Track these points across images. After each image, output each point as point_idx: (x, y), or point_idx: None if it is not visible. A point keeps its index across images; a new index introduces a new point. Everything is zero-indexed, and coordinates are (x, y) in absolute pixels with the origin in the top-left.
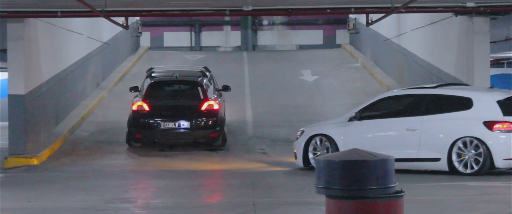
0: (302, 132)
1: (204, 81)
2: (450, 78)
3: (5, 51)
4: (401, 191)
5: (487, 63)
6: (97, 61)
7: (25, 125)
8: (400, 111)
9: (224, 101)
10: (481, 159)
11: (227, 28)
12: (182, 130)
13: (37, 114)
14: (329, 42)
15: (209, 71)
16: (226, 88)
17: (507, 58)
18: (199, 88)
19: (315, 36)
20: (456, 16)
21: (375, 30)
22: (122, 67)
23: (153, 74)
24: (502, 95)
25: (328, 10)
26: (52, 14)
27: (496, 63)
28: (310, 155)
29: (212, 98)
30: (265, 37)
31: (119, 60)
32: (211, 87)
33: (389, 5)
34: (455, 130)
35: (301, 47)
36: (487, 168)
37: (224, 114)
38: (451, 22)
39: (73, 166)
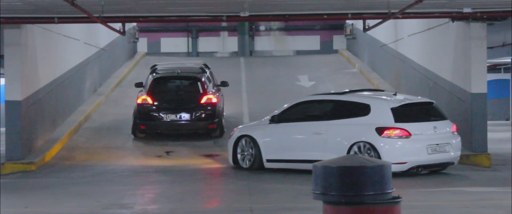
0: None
1: (204, 76)
2: (447, 83)
3: (1, 57)
4: (398, 197)
5: (484, 68)
6: (94, 67)
7: (22, 131)
8: (311, 115)
9: (222, 95)
10: None
11: (224, 33)
12: (183, 122)
13: (34, 120)
14: (326, 48)
15: (208, 68)
16: (224, 83)
17: (504, 64)
18: (199, 83)
19: (312, 41)
20: (453, 21)
21: (372, 35)
22: (119, 72)
23: (156, 70)
24: (397, 102)
25: (325, 16)
26: (49, 20)
27: (493, 68)
28: (239, 155)
29: (211, 92)
30: (262, 43)
31: (116, 66)
32: (210, 82)
33: (386, 11)
34: (352, 135)
35: (298, 52)
36: None
37: (222, 107)
38: (448, 28)
39: (70, 172)
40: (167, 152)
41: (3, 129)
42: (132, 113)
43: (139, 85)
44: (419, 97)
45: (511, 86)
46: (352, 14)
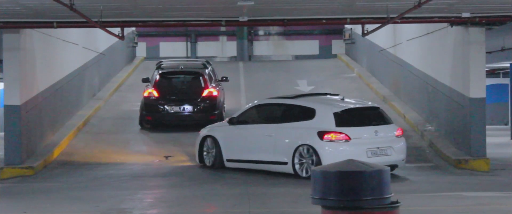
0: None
1: (205, 72)
2: (446, 88)
3: (1, 61)
4: (397, 202)
5: (482, 73)
6: (93, 71)
7: (21, 135)
8: (265, 118)
9: (222, 89)
10: (313, 165)
11: (223, 38)
12: (186, 113)
13: (33, 124)
14: (325, 52)
15: (210, 64)
16: (224, 79)
17: (503, 68)
18: (201, 78)
19: (311, 46)
20: (452, 26)
21: (371, 40)
22: (118, 77)
23: (161, 66)
24: (340, 107)
25: (324, 21)
26: (48, 25)
27: (491, 73)
28: (204, 153)
29: (212, 86)
30: (261, 47)
31: (115, 71)
32: (212, 77)
33: (385, 16)
34: (298, 138)
35: (297, 57)
36: None
37: (223, 100)
38: (446, 33)
39: (69, 176)
40: (166, 157)
41: (2, 134)
42: (137, 110)
43: (145, 80)
44: (369, 102)
45: (509, 90)
46: (351, 18)
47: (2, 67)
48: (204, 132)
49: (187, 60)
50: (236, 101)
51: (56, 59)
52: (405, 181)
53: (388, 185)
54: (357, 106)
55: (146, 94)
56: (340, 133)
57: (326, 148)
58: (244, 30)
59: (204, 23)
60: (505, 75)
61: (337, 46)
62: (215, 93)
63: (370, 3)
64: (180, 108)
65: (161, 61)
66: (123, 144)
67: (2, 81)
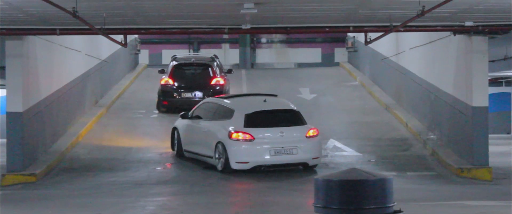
0: None
1: (214, 64)
2: (449, 97)
3: (3, 68)
4: (400, 211)
5: (485, 81)
6: (95, 78)
7: (23, 142)
8: (206, 115)
9: (228, 79)
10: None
11: (226, 45)
12: (197, 99)
13: (35, 131)
14: (328, 60)
15: (218, 58)
16: (229, 70)
17: (505, 77)
18: (210, 68)
19: (313, 54)
20: (455, 35)
21: (373, 48)
22: (121, 84)
23: (176, 59)
24: (252, 109)
25: (327, 29)
26: (51, 32)
27: (494, 81)
28: (175, 142)
29: (219, 76)
30: (264, 55)
31: (117, 78)
32: (219, 69)
33: (388, 24)
34: (218, 135)
35: (300, 65)
36: (229, 168)
37: (228, 89)
38: (449, 41)
39: (70, 184)
40: (170, 164)
41: (4, 141)
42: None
43: (162, 71)
44: (289, 105)
45: None
46: (354, 27)
47: (5, 74)
48: (175, 123)
49: (197, 54)
50: None
51: (59, 66)
52: (408, 189)
53: (391, 193)
54: (269, 108)
55: (163, 82)
56: (246, 133)
57: (233, 146)
58: (246, 37)
59: (207, 30)
60: (507, 84)
61: (340, 54)
62: (222, 82)
63: (373, 12)
64: (192, 94)
65: (175, 55)
66: (125, 151)
67: (4, 88)
